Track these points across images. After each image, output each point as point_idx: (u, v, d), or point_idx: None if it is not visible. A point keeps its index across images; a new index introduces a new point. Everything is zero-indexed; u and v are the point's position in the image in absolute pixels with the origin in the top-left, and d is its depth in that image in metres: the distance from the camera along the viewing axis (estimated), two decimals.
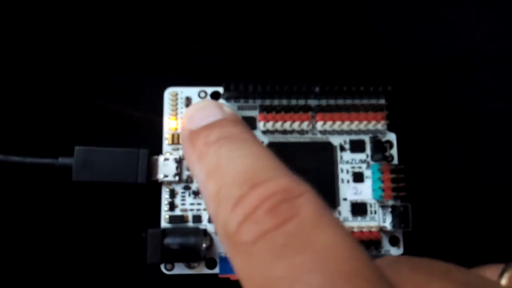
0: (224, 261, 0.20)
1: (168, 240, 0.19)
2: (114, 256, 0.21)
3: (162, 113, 0.21)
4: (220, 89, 0.21)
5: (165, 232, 0.19)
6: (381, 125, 0.21)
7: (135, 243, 0.21)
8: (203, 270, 0.20)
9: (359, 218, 0.21)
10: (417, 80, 0.24)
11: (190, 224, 0.21)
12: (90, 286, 0.21)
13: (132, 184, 0.20)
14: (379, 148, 0.21)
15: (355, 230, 0.21)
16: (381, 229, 0.21)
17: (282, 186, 0.11)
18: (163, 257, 0.19)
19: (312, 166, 0.21)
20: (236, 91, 0.20)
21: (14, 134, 0.22)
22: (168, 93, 0.21)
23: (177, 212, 0.21)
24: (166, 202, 0.21)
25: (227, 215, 0.11)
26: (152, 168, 0.20)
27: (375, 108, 0.21)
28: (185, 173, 0.21)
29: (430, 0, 0.24)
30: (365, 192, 0.21)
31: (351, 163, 0.22)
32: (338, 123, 0.21)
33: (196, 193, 0.21)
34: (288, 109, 0.21)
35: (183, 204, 0.21)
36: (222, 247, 0.20)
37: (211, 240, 0.20)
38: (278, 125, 0.21)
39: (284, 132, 0.21)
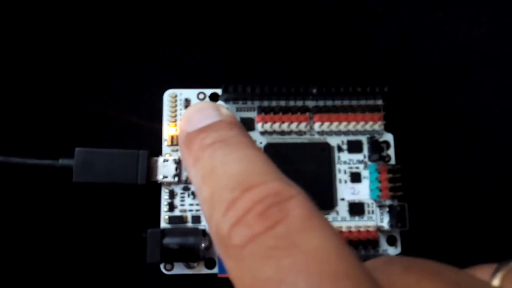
0: None
1: (167, 240, 0.19)
2: (114, 256, 0.21)
3: (161, 116, 0.21)
4: (219, 91, 0.21)
5: (165, 232, 0.20)
6: (378, 126, 0.22)
7: (135, 243, 0.21)
8: (202, 270, 0.20)
9: (356, 218, 0.21)
10: (414, 80, 0.24)
11: (189, 224, 0.21)
12: (90, 286, 0.21)
13: (132, 185, 0.20)
14: (376, 148, 0.21)
15: (353, 229, 0.21)
16: (379, 229, 0.21)
17: (273, 189, 0.11)
18: (163, 257, 0.19)
19: (310, 167, 0.21)
20: (234, 92, 0.20)
21: (15, 136, 0.22)
22: (168, 95, 0.22)
23: (177, 212, 0.21)
24: (165, 203, 0.21)
25: (220, 219, 0.12)
26: (151, 169, 0.21)
27: (372, 108, 0.22)
28: (184, 174, 0.21)
29: (427, 1, 0.24)
30: (362, 192, 0.21)
31: (349, 163, 0.22)
32: (335, 124, 0.21)
33: (195, 194, 0.21)
34: (286, 110, 0.21)
35: (182, 205, 0.21)
36: None
37: (210, 241, 0.20)
38: (276, 126, 0.21)
39: (282, 133, 0.22)
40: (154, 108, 0.22)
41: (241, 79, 0.23)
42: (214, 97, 0.22)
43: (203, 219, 0.21)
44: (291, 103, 0.22)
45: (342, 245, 0.10)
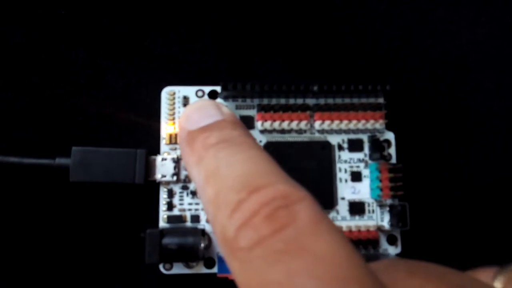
0: (222, 260, 0.20)
1: (166, 240, 0.19)
2: (112, 256, 0.21)
3: (159, 113, 0.21)
4: (218, 88, 0.21)
5: (164, 232, 0.19)
6: (379, 124, 0.21)
7: (133, 244, 0.21)
8: (201, 269, 0.20)
9: (357, 217, 0.21)
10: (415, 79, 0.23)
11: (189, 224, 0.21)
12: (89, 286, 0.21)
13: (130, 185, 0.20)
14: (377, 147, 0.21)
15: (353, 229, 0.21)
16: (379, 228, 0.21)
17: (281, 192, 0.11)
18: (162, 257, 0.19)
19: (310, 166, 0.21)
20: (234, 90, 0.20)
21: (12, 135, 0.21)
22: (166, 92, 0.21)
23: (175, 212, 0.21)
24: (164, 202, 0.21)
25: (226, 220, 0.11)
26: (150, 168, 0.20)
27: (373, 107, 0.21)
28: (183, 173, 0.21)
29: (429, 0, 0.24)
30: (363, 191, 0.21)
31: (349, 162, 0.22)
32: (336, 122, 0.21)
33: (194, 193, 0.21)
34: (286, 108, 0.21)
35: (181, 204, 0.21)
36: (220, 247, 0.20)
37: (209, 240, 0.20)
38: (276, 125, 0.21)
39: (282, 131, 0.21)
40: (152, 106, 0.22)
41: (240, 76, 0.23)
42: (213, 95, 0.22)
43: (202, 218, 0.21)
44: (292, 101, 0.21)
45: (351, 249, 0.10)
